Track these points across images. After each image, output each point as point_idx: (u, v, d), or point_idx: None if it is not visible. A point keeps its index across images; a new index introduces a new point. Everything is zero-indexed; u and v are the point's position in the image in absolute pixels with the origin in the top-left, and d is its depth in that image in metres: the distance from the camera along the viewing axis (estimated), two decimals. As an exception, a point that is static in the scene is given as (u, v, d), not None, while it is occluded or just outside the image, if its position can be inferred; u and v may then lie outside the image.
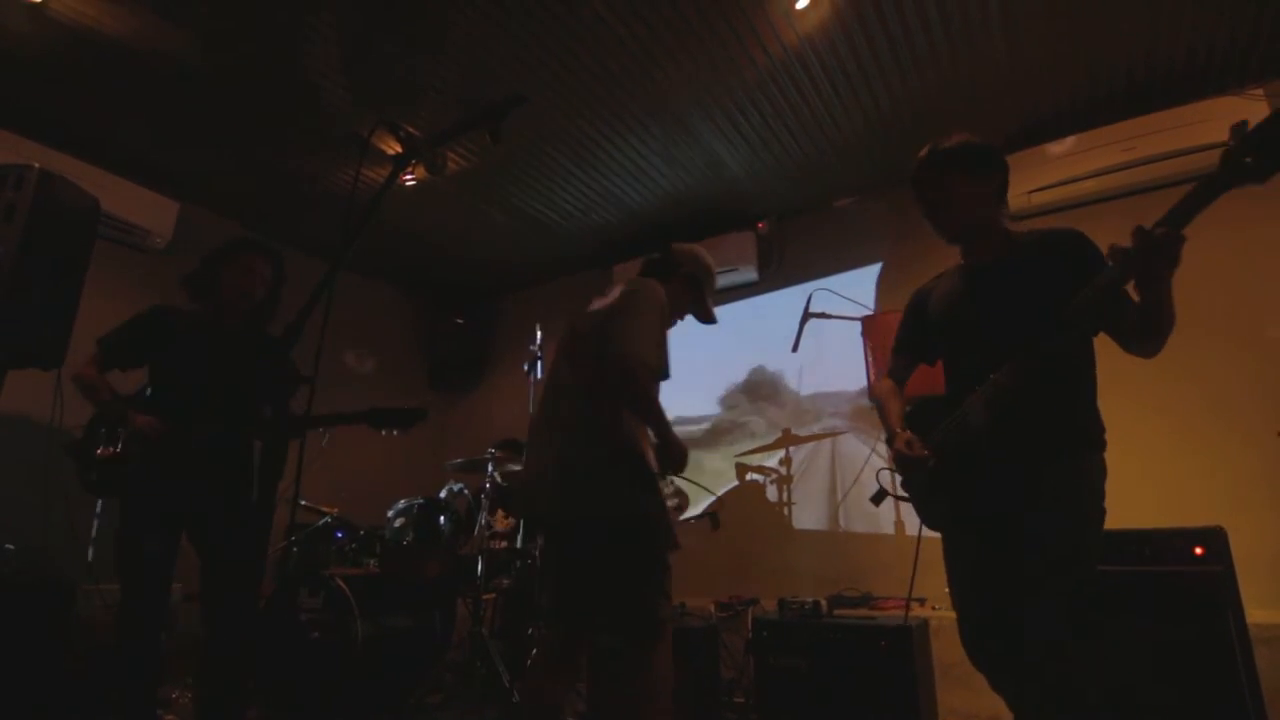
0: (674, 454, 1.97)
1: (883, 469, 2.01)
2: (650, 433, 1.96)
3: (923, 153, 1.80)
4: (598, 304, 2.10)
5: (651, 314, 1.96)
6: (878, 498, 2.02)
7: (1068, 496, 1.54)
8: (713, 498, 4.18)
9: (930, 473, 1.73)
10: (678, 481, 2.11)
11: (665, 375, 1.98)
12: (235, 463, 2.43)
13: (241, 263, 2.52)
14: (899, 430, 1.82)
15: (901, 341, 2.03)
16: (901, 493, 1.92)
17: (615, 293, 2.07)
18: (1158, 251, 1.32)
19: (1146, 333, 1.50)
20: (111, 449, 2.31)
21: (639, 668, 1.81)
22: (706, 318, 2.36)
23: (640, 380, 1.86)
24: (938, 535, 1.83)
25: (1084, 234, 1.65)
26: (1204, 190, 1.27)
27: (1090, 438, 1.61)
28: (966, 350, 1.75)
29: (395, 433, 2.54)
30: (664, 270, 2.25)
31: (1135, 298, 1.46)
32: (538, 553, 3.13)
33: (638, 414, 1.91)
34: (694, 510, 3.83)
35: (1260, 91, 3.24)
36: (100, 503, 3.03)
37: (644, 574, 1.86)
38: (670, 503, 2.00)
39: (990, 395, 1.59)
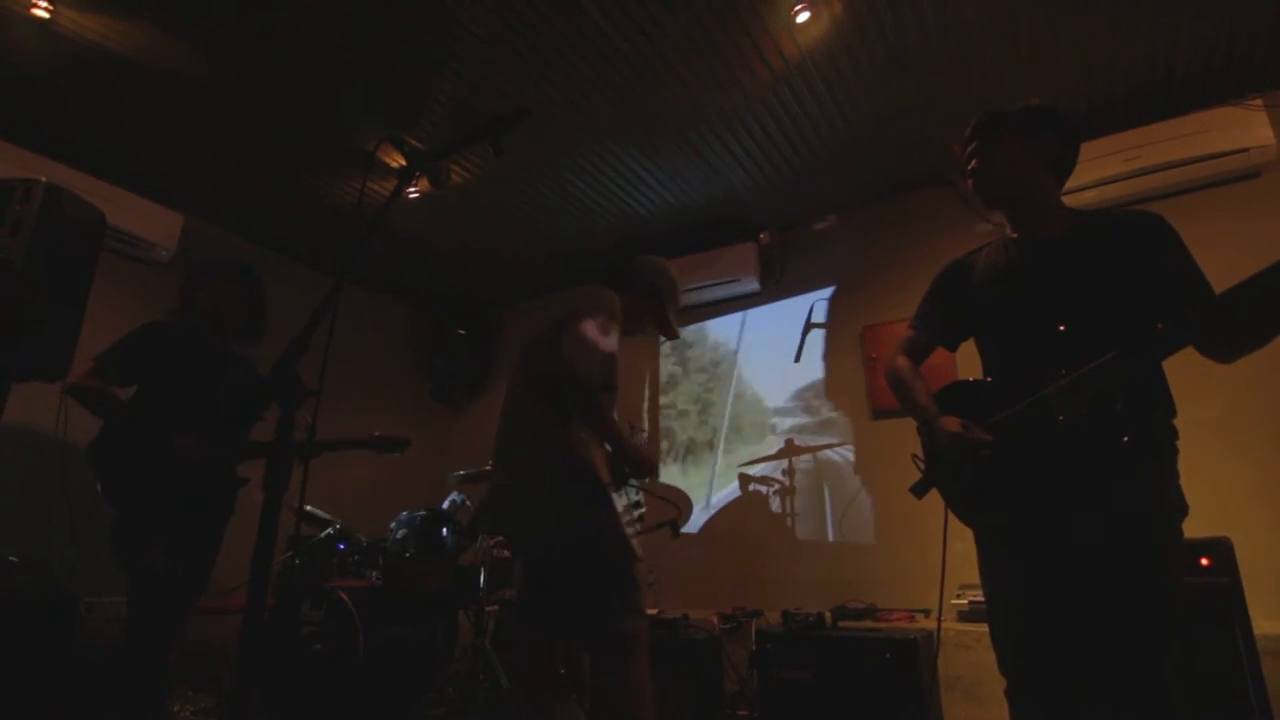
0: (633, 461, 1.91)
1: (916, 455, 1.69)
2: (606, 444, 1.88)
3: (980, 116, 1.65)
4: (553, 313, 2.02)
5: (597, 322, 1.87)
6: (920, 488, 1.69)
7: (1167, 500, 1.44)
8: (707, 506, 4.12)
9: (983, 463, 1.51)
10: (634, 493, 2.06)
11: (610, 387, 1.89)
12: (230, 481, 2.50)
13: (212, 286, 2.58)
14: (936, 412, 1.61)
15: (926, 317, 1.78)
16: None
17: (569, 302, 1.99)
18: None
19: (1259, 342, 1.39)
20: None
21: (614, 680, 1.79)
22: (668, 332, 2.30)
23: (584, 388, 1.78)
24: (942, 542, 1.71)
25: (1164, 219, 1.50)
26: None
27: (1173, 441, 1.49)
28: (1026, 332, 1.55)
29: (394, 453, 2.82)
30: (623, 280, 2.19)
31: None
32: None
33: (587, 424, 1.84)
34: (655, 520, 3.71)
35: (1260, 102, 3.25)
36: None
37: (605, 588, 1.82)
38: (634, 514, 1.96)
39: (1089, 384, 1.38)
